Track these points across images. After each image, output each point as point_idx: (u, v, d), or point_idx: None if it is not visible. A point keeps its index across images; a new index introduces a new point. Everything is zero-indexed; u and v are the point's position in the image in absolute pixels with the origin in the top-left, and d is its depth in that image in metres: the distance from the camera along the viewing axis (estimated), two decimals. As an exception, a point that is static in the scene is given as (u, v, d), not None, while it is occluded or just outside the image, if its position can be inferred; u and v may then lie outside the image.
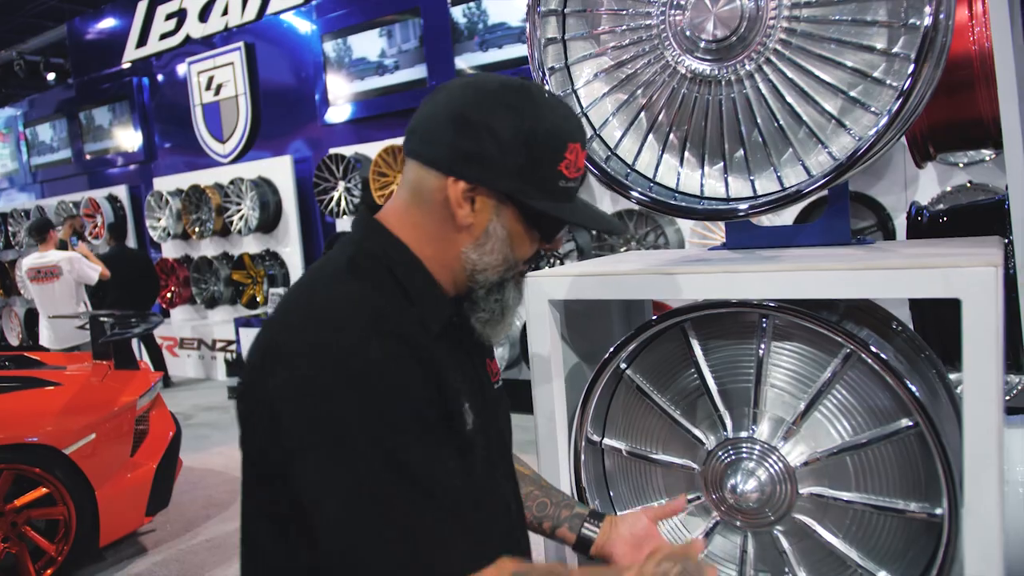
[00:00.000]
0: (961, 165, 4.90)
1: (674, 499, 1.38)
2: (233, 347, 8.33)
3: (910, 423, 1.33)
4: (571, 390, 1.67)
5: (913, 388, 1.29)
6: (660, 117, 1.49)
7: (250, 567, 1.07)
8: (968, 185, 4.94)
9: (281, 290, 8.16)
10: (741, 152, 1.42)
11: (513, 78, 1.06)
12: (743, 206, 1.40)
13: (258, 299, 8.32)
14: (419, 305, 1.03)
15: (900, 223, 5.20)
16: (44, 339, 6.72)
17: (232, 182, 8.37)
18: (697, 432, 1.52)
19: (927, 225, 2.99)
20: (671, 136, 1.49)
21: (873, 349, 1.32)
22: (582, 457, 1.63)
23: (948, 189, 5.05)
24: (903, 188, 5.31)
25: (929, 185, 5.15)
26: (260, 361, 0.97)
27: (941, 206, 3.16)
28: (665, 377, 1.58)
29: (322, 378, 0.90)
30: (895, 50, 1.28)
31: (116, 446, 4.07)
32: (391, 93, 7.39)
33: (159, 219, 9.29)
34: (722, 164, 1.45)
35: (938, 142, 2.83)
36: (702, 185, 1.48)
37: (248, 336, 8.11)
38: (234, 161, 8.75)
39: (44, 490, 3.77)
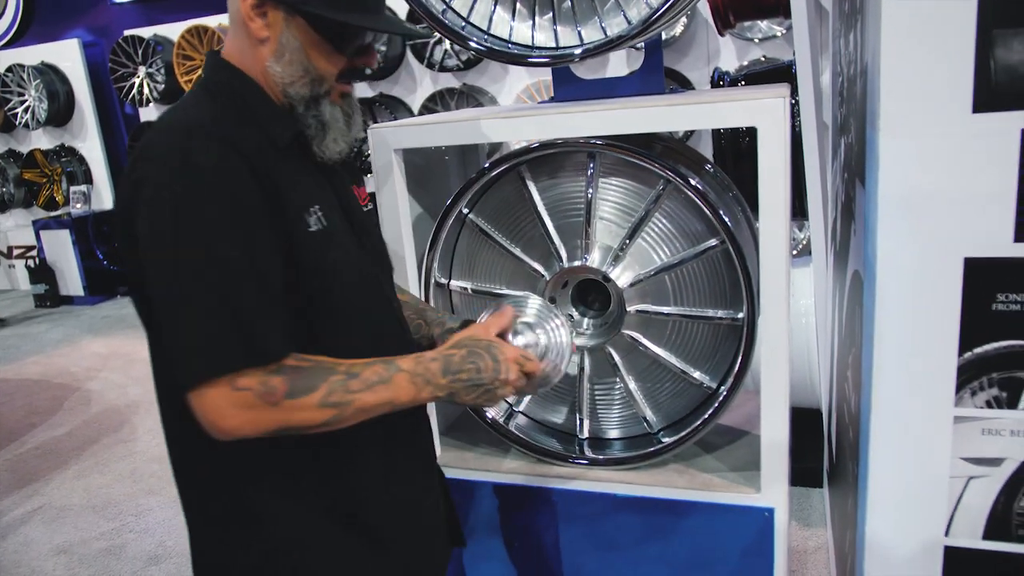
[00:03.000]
0: (756, 40, 5.29)
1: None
2: (34, 252, 7.68)
3: (717, 242, 1.54)
4: (417, 237, 1.76)
5: (720, 211, 1.50)
6: (491, -32, 1.55)
7: (155, 369, 1.14)
8: (763, 59, 5.36)
9: (84, 187, 7.54)
10: (568, 3, 1.52)
11: None
12: (576, 51, 1.51)
13: (57, 199, 7.64)
14: (263, 123, 1.10)
15: (704, 96, 5.57)
16: None
17: (10, 69, 7.49)
18: (536, 265, 1.67)
19: (728, 87, 3.29)
20: (502, -12, 1.56)
21: (687, 178, 1.51)
22: (431, 299, 1.75)
23: (746, 63, 5.45)
24: (707, 63, 5.67)
25: (729, 59, 5.54)
26: (127, 180, 1.04)
27: (741, 72, 3.45)
28: (505, 218, 1.71)
29: (162, 179, 0.99)
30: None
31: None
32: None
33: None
34: (551, 15, 1.55)
35: (737, 11, 3.08)
36: (533, 36, 1.57)
37: (51, 238, 7.48)
38: (8, 45, 7.80)
39: None
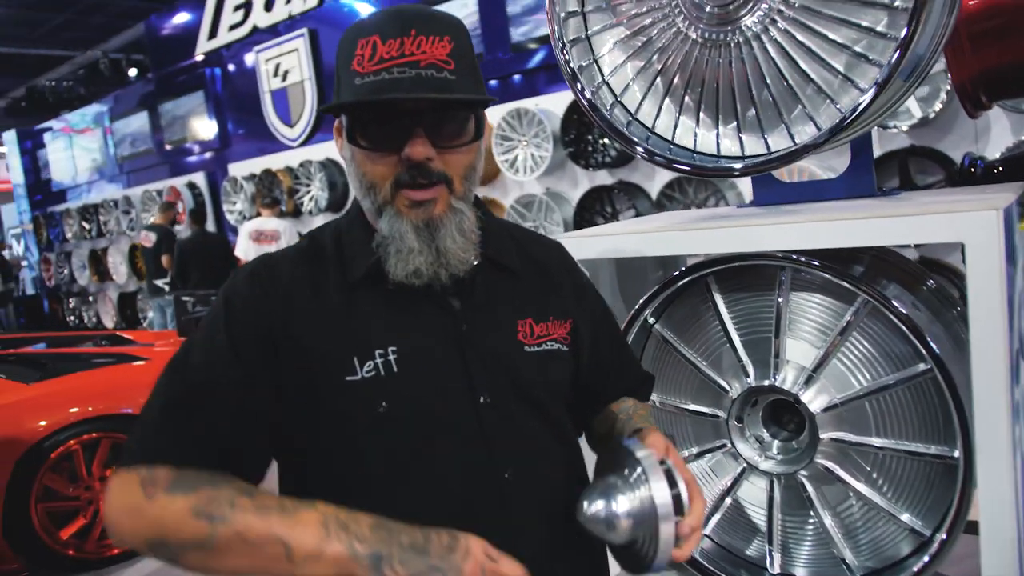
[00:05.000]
0: (1035, 113, 4.71)
1: None
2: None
3: (926, 368, 1.36)
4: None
5: (927, 336, 1.33)
6: (675, 81, 1.54)
7: None
8: (1047, 134, 4.75)
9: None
10: (753, 111, 1.47)
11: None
12: (737, 165, 1.45)
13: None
14: (348, 258, 1.06)
15: (972, 177, 5.02)
16: None
17: (301, 164, 8.63)
18: (722, 381, 1.58)
19: (981, 176, 2.93)
20: (686, 99, 1.55)
21: (887, 299, 1.36)
22: (614, 409, 1.72)
23: (1023, 138, 4.85)
24: (973, 141, 5.12)
25: (1002, 135, 4.96)
26: None
27: (999, 155, 3.07)
28: (692, 330, 1.65)
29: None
30: (896, 3, 1.30)
31: (201, 417, 4.34)
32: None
33: (235, 203, 9.66)
34: (735, 123, 1.50)
35: (991, 90, 2.76)
36: (718, 144, 1.53)
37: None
38: (303, 144, 9.02)
39: (138, 458, 4.08)
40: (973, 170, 2.92)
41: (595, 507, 1.01)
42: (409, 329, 1.04)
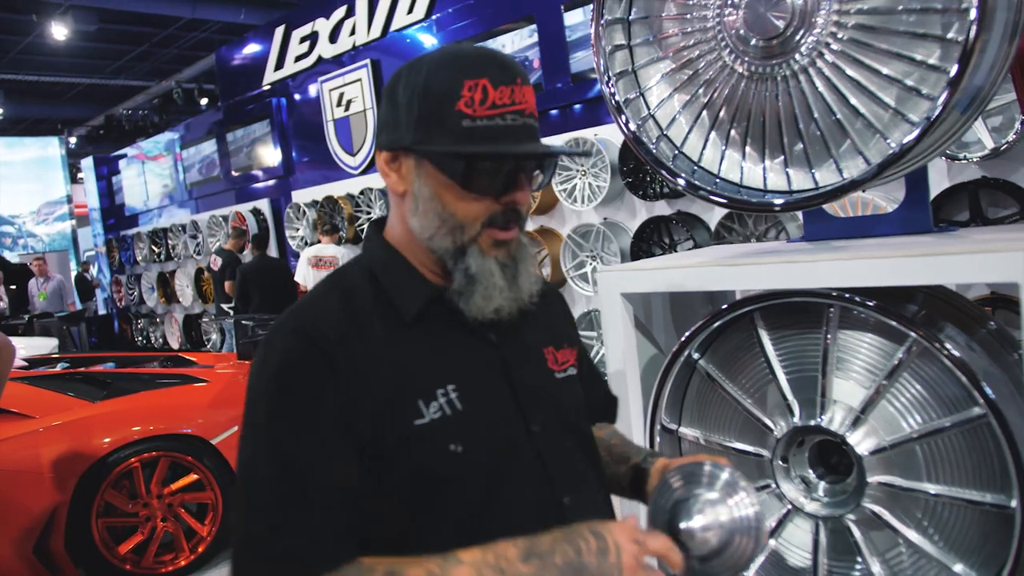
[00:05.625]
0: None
1: None
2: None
3: (980, 412, 1.31)
4: (647, 380, 1.73)
5: (981, 379, 1.28)
6: (721, 114, 1.53)
7: None
8: None
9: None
10: (800, 145, 1.45)
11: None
12: (778, 201, 1.42)
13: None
14: (395, 297, 1.03)
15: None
16: None
17: (362, 192, 8.80)
18: (766, 420, 1.54)
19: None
20: (732, 132, 1.53)
21: (940, 340, 1.32)
22: (656, 443, 1.69)
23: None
24: (1048, 172, 4.94)
25: (1083, 166, 4.77)
26: None
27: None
28: (737, 366, 1.62)
29: (253, 368, 1.00)
30: (949, 36, 1.27)
31: (256, 439, 4.43)
32: (509, 100, 7.56)
33: (297, 229, 9.89)
34: (783, 157, 1.48)
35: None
36: (764, 178, 1.51)
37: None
38: (364, 172, 9.20)
39: (195, 476, 4.16)
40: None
41: (704, 521, 1.02)
42: (460, 364, 1.03)
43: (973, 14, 1.20)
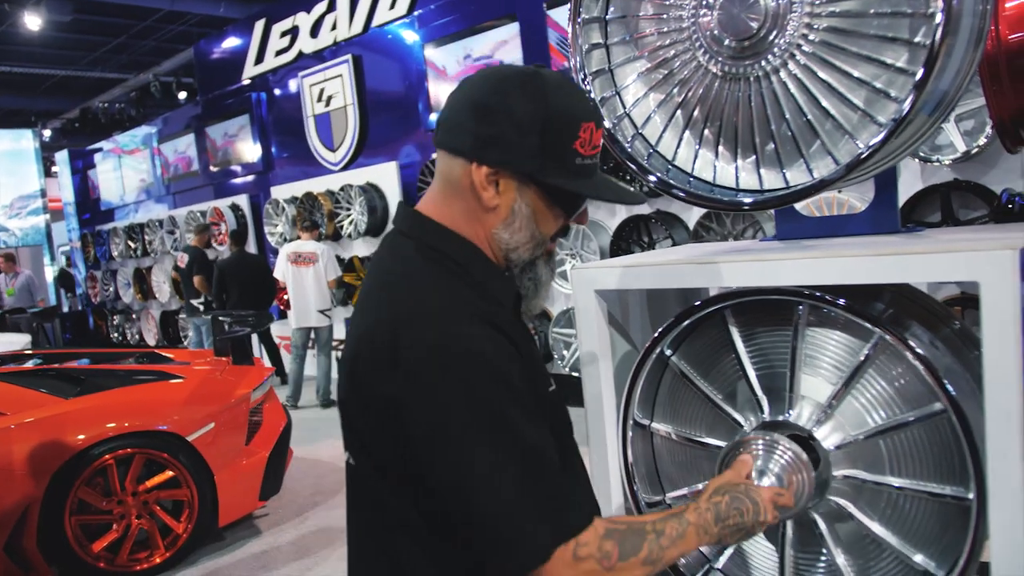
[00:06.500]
0: (1080, 149, 4.60)
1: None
2: (343, 346, 8.74)
3: (942, 407, 1.34)
4: (622, 377, 1.75)
5: (943, 377, 1.31)
6: (695, 114, 1.56)
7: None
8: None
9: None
10: (772, 145, 1.47)
11: (527, 67, 1.13)
12: (748, 199, 1.46)
13: (367, 300, 8.67)
14: (490, 290, 1.14)
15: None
16: (290, 317, 7.94)
17: (342, 188, 8.79)
18: (736, 415, 1.57)
19: (1019, 213, 2.88)
20: (706, 131, 1.56)
21: (905, 339, 1.35)
22: (629, 438, 1.72)
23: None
24: (1019, 176, 5.03)
25: (1051, 169, 4.86)
26: (372, 363, 1.06)
27: (1040, 193, 3.02)
28: (708, 362, 1.64)
29: (439, 375, 1.01)
30: (917, 40, 1.30)
31: (233, 435, 4.42)
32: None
33: (276, 225, 9.85)
34: (755, 157, 1.51)
35: (1032, 125, 2.72)
36: (737, 177, 1.54)
37: (358, 335, 8.48)
38: (344, 168, 9.18)
39: (170, 473, 4.14)
40: (1011, 206, 2.88)
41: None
42: (534, 346, 1.22)
43: (939, 18, 1.23)
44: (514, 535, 0.99)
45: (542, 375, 1.17)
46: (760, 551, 1.62)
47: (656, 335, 1.65)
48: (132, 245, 12.76)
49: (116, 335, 13.63)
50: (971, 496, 1.32)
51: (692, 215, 6.34)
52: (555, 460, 1.06)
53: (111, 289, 13.49)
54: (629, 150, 1.62)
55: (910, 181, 5.23)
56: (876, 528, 1.43)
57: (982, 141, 4.90)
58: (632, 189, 1.26)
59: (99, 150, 14.55)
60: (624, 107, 1.66)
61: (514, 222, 1.13)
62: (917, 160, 5.12)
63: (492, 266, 1.16)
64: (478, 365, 1.02)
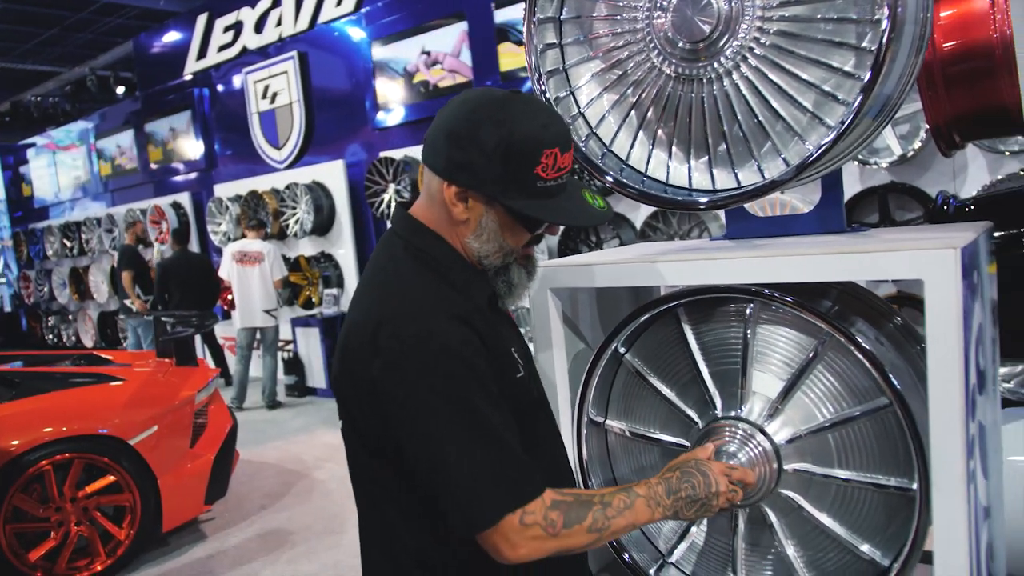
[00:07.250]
0: (1008, 153, 4.80)
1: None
2: (290, 347, 8.61)
3: (887, 401, 1.39)
4: (576, 374, 1.76)
5: (888, 371, 1.36)
6: (649, 114, 1.58)
7: (385, 546, 1.32)
8: (1021, 173, 4.83)
9: (335, 291, 8.40)
10: (724, 146, 1.50)
11: (504, 91, 1.25)
12: (703, 199, 1.49)
13: (313, 300, 8.57)
14: (466, 288, 1.28)
15: (950, 214, 5.10)
16: (235, 317, 7.87)
17: (288, 187, 8.65)
18: (689, 412, 1.60)
19: (953, 215, 3.00)
20: (659, 132, 1.58)
21: (851, 335, 1.39)
22: (583, 435, 1.73)
23: (999, 177, 4.94)
24: (951, 179, 5.22)
25: (979, 174, 5.05)
26: (358, 351, 1.22)
27: (973, 195, 3.14)
28: (661, 360, 1.66)
29: (423, 364, 1.17)
30: (863, 45, 1.34)
31: (176, 438, 4.31)
32: (438, 96, 7.55)
33: (219, 224, 9.65)
34: (707, 158, 1.53)
35: (963, 131, 2.83)
36: (690, 177, 1.56)
37: (305, 335, 8.38)
38: (290, 167, 9.04)
39: (112, 478, 4.02)
40: (946, 208, 2.99)
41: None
42: (508, 332, 1.38)
43: (885, 24, 1.27)
44: (468, 502, 1.15)
45: (510, 364, 1.30)
46: (713, 545, 1.64)
47: (611, 333, 1.67)
48: (68, 244, 12.37)
49: (51, 337, 13.19)
50: (915, 487, 1.37)
51: (639, 215, 6.42)
52: (512, 439, 1.19)
53: (45, 289, 13.05)
54: (584, 150, 1.64)
55: (849, 183, 5.39)
56: (825, 520, 1.47)
57: (917, 145, 5.08)
58: (599, 206, 1.33)
59: (32, 145, 14.06)
60: (579, 107, 1.67)
61: (483, 234, 1.27)
62: (856, 163, 5.27)
63: (469, 267, 1.30)
64: (447, 357, 1.17)
